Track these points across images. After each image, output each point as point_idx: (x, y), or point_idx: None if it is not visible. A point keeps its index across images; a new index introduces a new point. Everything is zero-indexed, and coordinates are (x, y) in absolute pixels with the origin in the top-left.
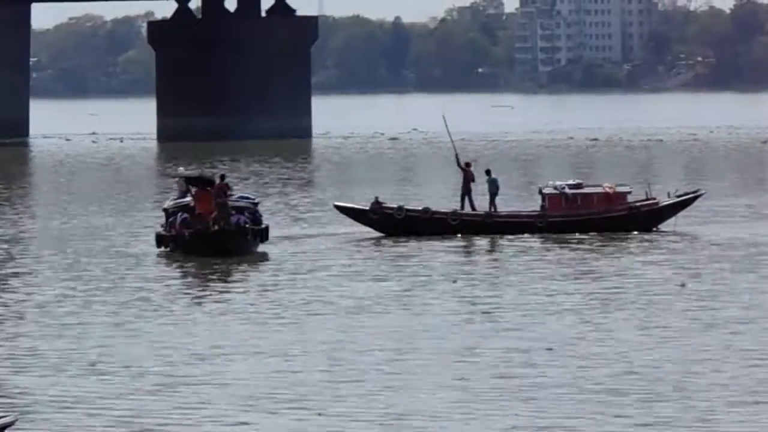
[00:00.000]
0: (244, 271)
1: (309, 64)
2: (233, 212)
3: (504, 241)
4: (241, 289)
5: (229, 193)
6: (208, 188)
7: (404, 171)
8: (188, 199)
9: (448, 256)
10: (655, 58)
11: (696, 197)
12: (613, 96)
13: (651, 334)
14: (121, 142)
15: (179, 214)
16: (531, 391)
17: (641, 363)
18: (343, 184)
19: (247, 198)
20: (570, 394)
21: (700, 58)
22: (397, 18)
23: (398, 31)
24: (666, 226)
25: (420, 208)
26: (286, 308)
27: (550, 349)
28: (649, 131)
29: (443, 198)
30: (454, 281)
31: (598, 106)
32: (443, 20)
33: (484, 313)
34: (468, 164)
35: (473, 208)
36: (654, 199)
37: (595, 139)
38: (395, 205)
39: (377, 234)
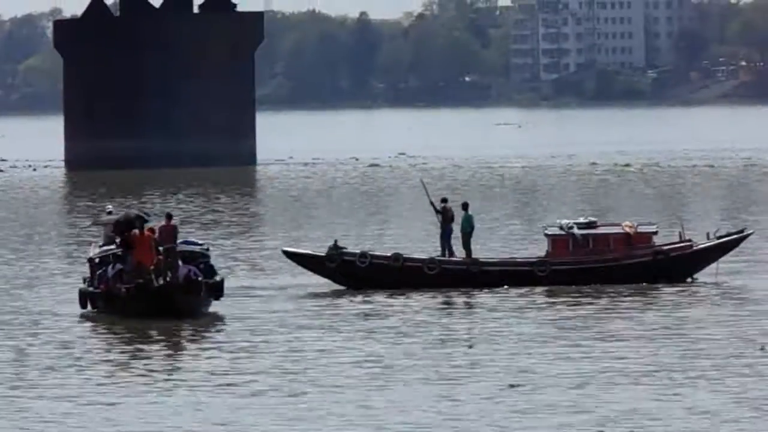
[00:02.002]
0: (207, 337)
1: (252, 72)
2: (180, 262)
3: (502, 296)
4: (209, 359)
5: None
6: (148, 231)
7: (376, 207)
8: (113, 247)
9: (442, 314)
10: (687, 64)
11: (742, 238)
12: (635, 111)
13: (741, 407)
14: (34, 170)
15: (111, 266)
16: None
17: None
18: (296, 224)
19: (194, 243)
20: None
21: (743, 63)
22: (363, 14)
23: (364, 30)
24: (705, 275)
25: (389, 255)
26: (287, 380)
27: (602, 430)
28: (693, 155)
29: (424, 240)
30: (470, 346)
31: (619, 123)
32: (420, 16)
33: (512, 386)
34: (444, 200)
35: (451, 254)
36: (689, 240)
37: (627, 165)
38: (358, 251)
39: (337, 287)
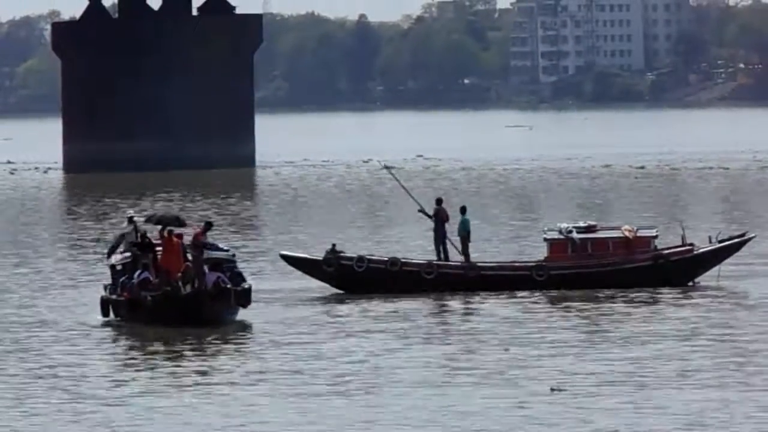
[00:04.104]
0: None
1: (251, 74)
2: (207, 268)
3: (516, 300)
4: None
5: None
6: (177, 236)
7: (376, 210)
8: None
9: (463, 317)
10: (686, 66)
11: (744, 242)
12: (634, 113)
13: None
14: (45, 173)
15: (138, 273)
16: None
17: None
18: (295, 228)
19: (220, 248)
20: None
21: (742, 65)
22: (362, 16)
23: (363, 32)
24: (707, 279)
25: (386, 259)
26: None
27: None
28: (707, 157)
29: (427, 244)
30: (507, 350)
31: (623, 125)
32: (419, 19)
33: (553, 390)
34: (439, 200)
35: (446, 258)
36: (690, 245)
37: (641, 167)
38: (355, 255)
39: (336, 290)
